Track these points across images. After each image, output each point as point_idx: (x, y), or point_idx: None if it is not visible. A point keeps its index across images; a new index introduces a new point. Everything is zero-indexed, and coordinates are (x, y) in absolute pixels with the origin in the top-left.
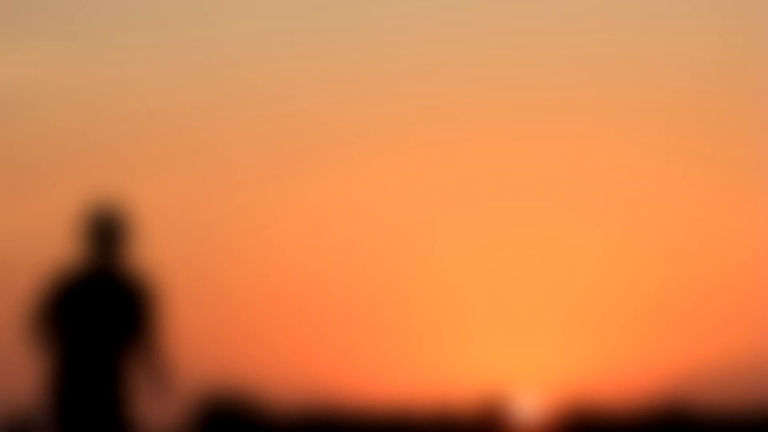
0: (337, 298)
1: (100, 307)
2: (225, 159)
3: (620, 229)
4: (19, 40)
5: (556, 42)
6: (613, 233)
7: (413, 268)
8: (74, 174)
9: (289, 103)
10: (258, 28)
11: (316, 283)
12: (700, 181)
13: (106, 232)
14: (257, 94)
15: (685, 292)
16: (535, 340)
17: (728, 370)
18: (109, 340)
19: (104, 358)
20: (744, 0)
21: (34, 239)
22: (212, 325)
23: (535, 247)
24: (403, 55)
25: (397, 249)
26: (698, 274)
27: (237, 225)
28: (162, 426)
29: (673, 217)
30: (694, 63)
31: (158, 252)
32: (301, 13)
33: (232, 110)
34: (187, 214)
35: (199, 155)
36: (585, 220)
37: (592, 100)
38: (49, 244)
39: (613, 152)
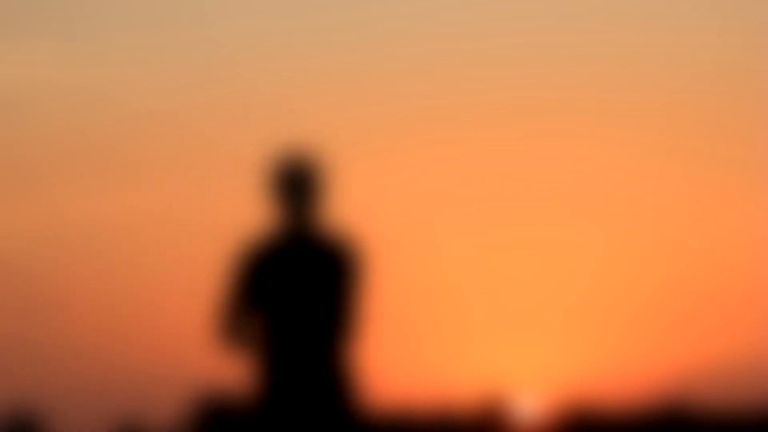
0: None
1: (303, 279)
2: (226, 160)
3: (620, 229)
4: (19, 40)
5: (556, 42)
6: (613, 233)
7: (413, 268)
8: (74, 174)
9: (289, 103)
10: (258, 28)
11: None
12: (700, 181)
13: (299, 187)
14: (257, 94)
15: (685, 293)
16: (535, 340)
17: (728, 370)
18: (318, 317)
19: (317, 339)
20: (744, 0)
21: (34, 239)
22: (212, 326)
23: (535, 247)
24: (403, 55)
25: (397, 249)
26: (698, 274)
27: (238, 226)
28: (162, 426)
29: (673, 217)
30: (694, 63)
31: (158, 252)
32: (301, 13)
33: (232, 110)
34: (188, 215)
35: (200, 156)
36: (585, 220)
37: (592, 100)
38: (48, 245)
39: (613, 152)
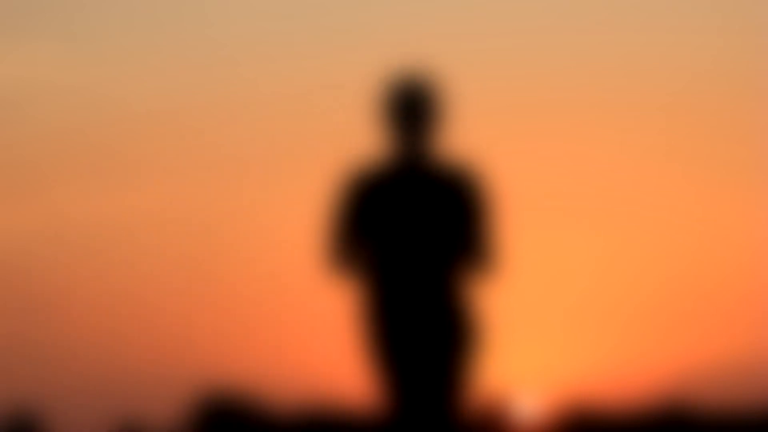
0: (338, 297)
1: (417, 211)
2: (226, 160)
3: (620, 229)
4: (19, 40)
5: (556, 42)
6: (612, 233)
7: None
8: (74, 174)
9: (290, 103)
10: (259, 28)
11: (317, 282)
12: (700, 181)
13: (414, 110)
14: (258, 94)
15: (685, 293)
16: (535, 340)
17: (728, 370)
18: (433, 254)
19: (432, 279)
20: (744, 0)
21: (34, 239)
22: (212, 325)
23: (535, 247)
24: (405, 55)
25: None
26: (698, 274)
27: (238, 225)
28: (162, 426)
29: (674, 217)
30: (694, 63)
31: (158, 252)
32: (303, 13)
33: (234, 111)
34: (188, 215)
35: (200, 156)
36: (585, 219)
37: (591, 100)
38: (48, 245)
39: (612, 152)
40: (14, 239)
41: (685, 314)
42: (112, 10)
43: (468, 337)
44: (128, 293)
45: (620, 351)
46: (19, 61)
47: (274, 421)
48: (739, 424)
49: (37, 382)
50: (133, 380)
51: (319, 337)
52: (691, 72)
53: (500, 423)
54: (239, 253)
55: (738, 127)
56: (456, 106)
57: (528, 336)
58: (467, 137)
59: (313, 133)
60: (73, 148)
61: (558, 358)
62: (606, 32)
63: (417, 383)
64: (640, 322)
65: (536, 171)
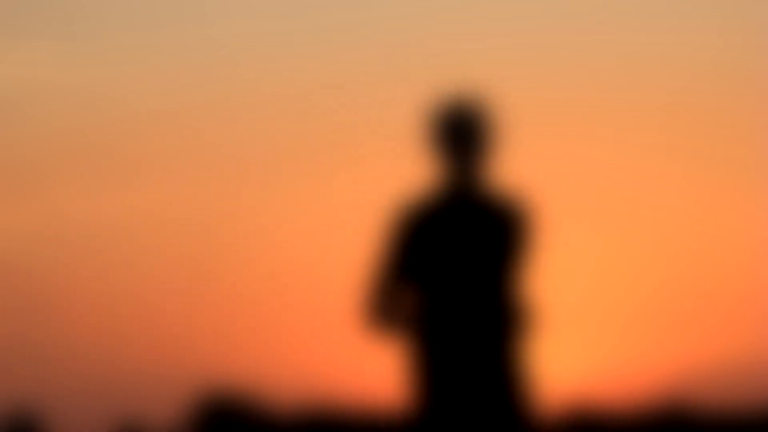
0: (338, 297)
1: (468, 244)
2: (226, 160)
3: (620, 228)
4: (19, 40)
5: (557, 42)
6: (613, 233)
7: None
8: (74, 174)
9: (292, 103)
10: (260, 28)
11: (317, 282)
12: (700, 181)
13: (467, 136)
14: (259, 94)
15: (685, 293)
16: (535, 340)
17: (728, 370)
18: (488, 290)
19: (484, 328)
20: (744, 0)
21: (34, 239)
22: (212, 325)
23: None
24: (409, 55)
25: None
26: (698, 274)
27: (238, 226)
28: (162, 426)
29: (673, 217)
30: (694, 63)
31: (158, 252)
32: (304, 13)
33: (234, 111)
34: (188, 215)
35: (200, 156)
36: (585, 220)
37: (592, 100)
38: (48, 245)
39: (612, 152)
40: (14, 239)
41: (685, 314)
42: (112, 11)
43: (522, 396)
44: (128, 293)
45: (620, 351)
46: (20, 61)
47: (274, 421)
48: (739, 424)
49: (37, 382)
50: (133, 380)
51: (319, 337)
52: (691, 72)
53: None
54: (239, 253)
55: (738, 127)
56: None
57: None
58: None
59: (312, 133)
60: (73, 148)
61: (558, 358)
62: (606, 32)
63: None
64: (640, 322)
65: (536, 171)
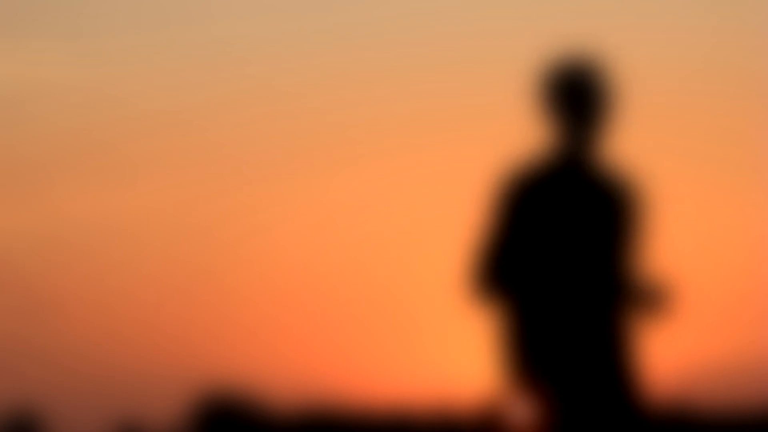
0: (338, 297)
1: (578, 220)
2: (231, 158)
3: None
4: (23, 39)
5: (558, 42)
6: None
7: (416, 268)
8: (77, 174)
9: (296, 101)
10: (265, 26)
11: (317, 282)
12: (700, 181)
13: (581, 102)
14: (264, 92)
15: (685, 293)
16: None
17: (728, 370)
18: (595, 269)
19: (593, 308)
20: (744, 0)
21: (34, 239)
22: (212, 325)
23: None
24: (413, 54)
25: (399, 249)
26: (698, 274)
27: (242, 224)
28: (162, 426)
29: (673, 217)
30: (694, 63)
31: (158, 252)
32: (308, 11)
33: (239, 109)
34: (188, 215)
35: (202, 156)
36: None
37: None
38: (48, 245)
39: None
40: (14, 239)
41: (685, 314)
42: (115, 10)
43: (629, 385)
44: (128, 293)
45: None
46: (22, 60)
47: (274, 421)
48: (739, 424)
49: (37, 382)
50: (133, 380)
51: (319, 337)
52: (691, 72)
53: (500, 423)
54: (240, 253)
55: (738, 127)
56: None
57: None
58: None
59: (312, 133)
60: (75, 147)
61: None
62: (606, 32)
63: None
64: (639, 322)
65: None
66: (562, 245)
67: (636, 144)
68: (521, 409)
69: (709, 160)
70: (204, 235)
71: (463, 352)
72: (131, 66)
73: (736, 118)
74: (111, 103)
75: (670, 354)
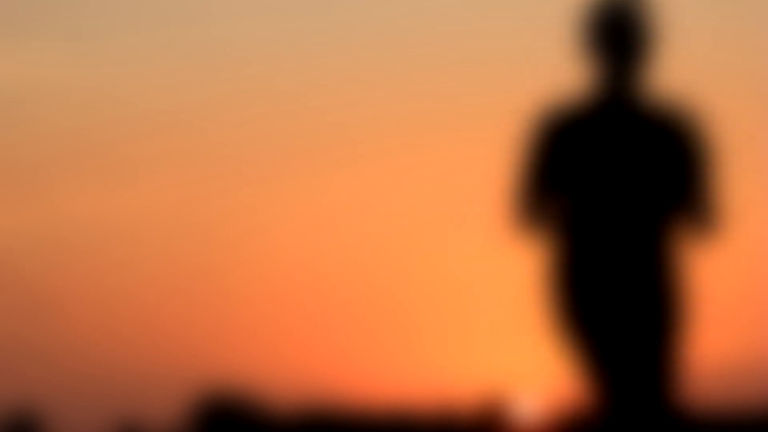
0: (338, 297)
1: (624, 158)
2: (231, 158)
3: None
4: (23, 39)
5: (557, 41)
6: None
7: (416, 268)
8: (78, 174)
9: (296, 101)
10: (265, 26)
11: (318, 282)
12: None
13: (622, 37)
14: (264, 92)
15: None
16: (536, 340)
17: (728, 370)
18: (642, 211)
19: (640, 242)
20: (744, 0)
21: (34, 239)
22: (212, 325)
23: (537, 247)
24: (413, 54)
25: (400, 249)
26: (698, 273)
27: (242, 224)
28: (162, 426)
29: None
30: (694, 63)
31: (158, 252)
32: (308, 11)
33: (239, 109)
34: (192, 214)
35: (202, 156)
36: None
37: None
38: (48, 245)
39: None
40: (14, 239)
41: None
42: (115, 10)
43: (680, 315)
44: (128, 293)
45: None
46: (22, 60)
47: (275, 421)
48: (739, 424)
49: (37, 382)
50: (133, 380)
51: (319, 338)
52: (691, 72)
53: (500, 423)
54: (239, 253)
55: (738, 128)
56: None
57: (528, 336)
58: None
59: (313, 133)
60: (75, 147)
61: (558, 359)
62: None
63: (618, 368)
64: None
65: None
66: (610, 178)
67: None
68: (521, 409)
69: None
70: (204, 235)
71: (463, 352)
72: (131, 66)
73: (737, 119)
74: (111, 103)
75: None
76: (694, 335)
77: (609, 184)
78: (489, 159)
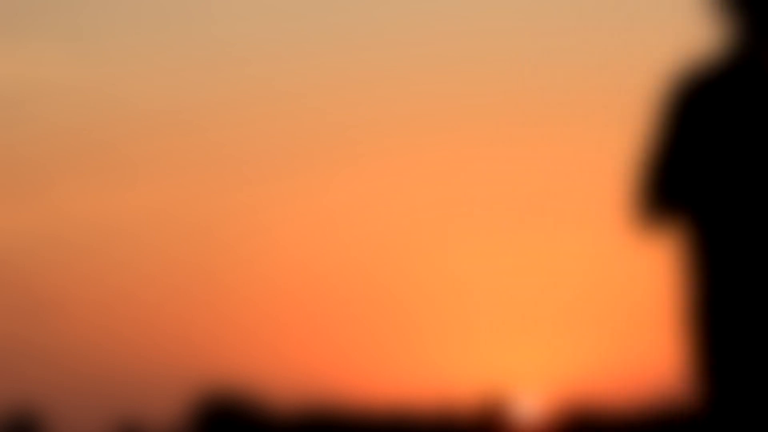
0: (338, 297)
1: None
2: (231, 158)
3: (620, 228)
4: (23, 39)
5: (560, 42)
6: (612, 233)
7: (415, 268)
8: (78, 174)
9: (296, 101)
10: (265, 26)
11: (317, 282)
12: None
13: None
14: (264, 93)
15: None
16: (535, 340)
17: None
18: None
19: None
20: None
21: (34, 239)
22: (212, 325)
23: (537, 247)
24: (413, 54)
25: (400, 249)
26: None
27: (242, 224)
28: (162, 426)
29: None
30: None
31: (158, 252)
32: (308, 11)
33: (239, 109)
34: (192, 214)
35: (202, 156)
36: (585, 219)
37: (594, 100)
38: (48, 245)
39: (613, 151)
40: (14, 239)
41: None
42: (115, 10)
43: None
44: (128, 293)
45: (620, 351)
46: (22, 60)
47: (274, 420)
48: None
49: (37, 382)
50: (133, 380)
51: (319, 338)
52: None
53: (500, 423)
54: (239, 253)
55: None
56: None
57: (528, 336)
58: None
59: (313, 133)
60: (76, 147)
61: (558, 358)
62: (606, 32)
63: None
64: (639, 322)
65: (538, 171)
66: (749, 151)
67: None
68: (521, 409)
69: None
70: (204, 235)
71: (463, 352)
72: (131, 66)
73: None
74: (111, 103)
75: (669, 354)
76: None
77: (749, 154)
78: (489, 159)
